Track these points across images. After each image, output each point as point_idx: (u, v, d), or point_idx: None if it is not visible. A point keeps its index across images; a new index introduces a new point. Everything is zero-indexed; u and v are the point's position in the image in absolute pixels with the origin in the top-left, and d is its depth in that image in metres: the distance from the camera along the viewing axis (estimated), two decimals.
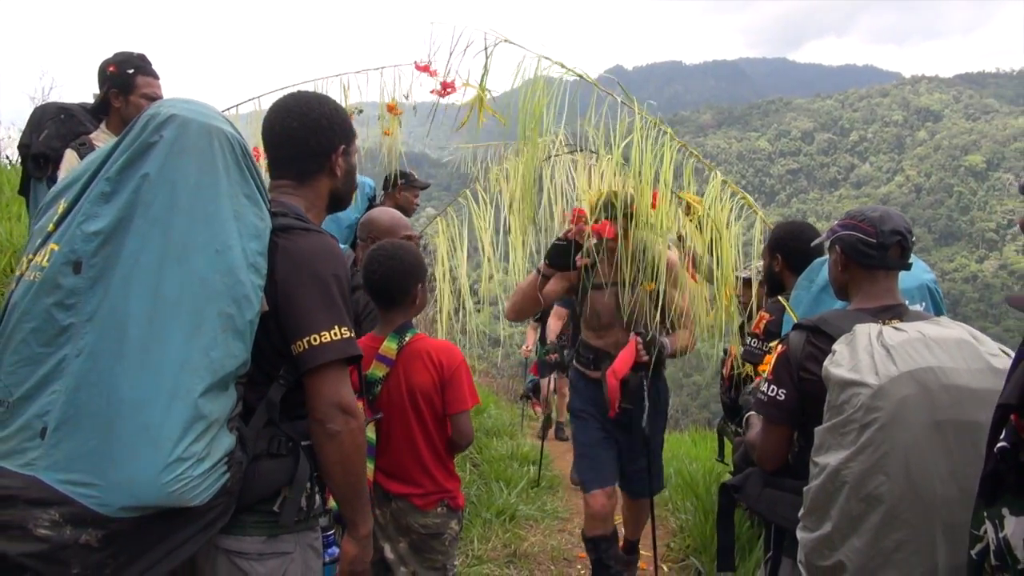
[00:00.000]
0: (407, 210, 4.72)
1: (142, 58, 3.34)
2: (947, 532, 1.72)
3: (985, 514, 1.34)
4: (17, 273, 1.70)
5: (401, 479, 2.71)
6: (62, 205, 1.68)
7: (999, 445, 1.32)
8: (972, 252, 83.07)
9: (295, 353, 1.71)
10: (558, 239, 3.61)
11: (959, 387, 1.74)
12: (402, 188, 4.77)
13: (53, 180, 3.26)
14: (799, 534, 1.93)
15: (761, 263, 3.42)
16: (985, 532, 1.34)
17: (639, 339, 3.50)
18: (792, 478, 2.14)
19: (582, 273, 3.66)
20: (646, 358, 3.50)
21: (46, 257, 1.61)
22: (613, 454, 3.75)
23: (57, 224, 1.65)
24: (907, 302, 2.50)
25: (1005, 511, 1.29)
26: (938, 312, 2.72)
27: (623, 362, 3.50)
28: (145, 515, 1.50)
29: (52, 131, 3.31)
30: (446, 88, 3.33)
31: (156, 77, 3.35)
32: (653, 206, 3.30)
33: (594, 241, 3.53)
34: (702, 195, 3.44)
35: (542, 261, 3.67)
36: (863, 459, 1.76)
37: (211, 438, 1.54)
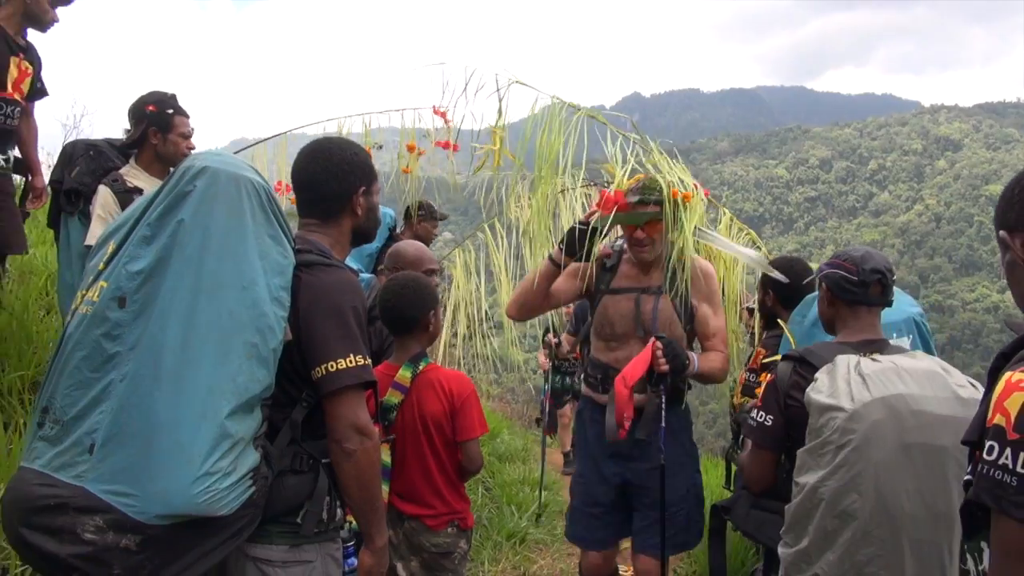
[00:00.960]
0: (426, 239, 4.92)
1: (175, 98, 3.56)
2: (914, 547, 1.85)
3: (966, 547, 1.42)
4: (72, 307, 1.90)
5: (414, 501, 2.85)
6: (112, 246, 1.89)
7: (965, 478, 1.37)
8: (993, 282, 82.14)
9: (315, 378, 1.89)
10: (579, 222, 3.14)
11: (926, 413, 1.88)
12: (422, 219, 4.96)
13: (84, 214, 3.47)
14: (780, 550, 2.06)
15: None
16: (969, 565, 1.43)
17: (659, 343, 2.88)
18: (779, 500, 2.26)
19: (596, 272, 3.22)
20: (665, 367, 2.85)
21: (96, 293, 1.82)
22: (614, 516, 3.25)
23: (107, 263, 1.86)
24: (895, 334, 2.66)
25: (983, 544, 1.36)
26: (925, 343, 2.85)
27: (636, 367, 2.86)
28: (178, 523, 1.67)
29: (83, 167, 3.52)
30: (454, 148, 3.58)
31: (188, 116, 3.57)
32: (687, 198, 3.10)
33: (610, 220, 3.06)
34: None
35: (555, 246, 3.23)
36: (838, 477, 1.90)
37: (237, 455, 1.72)
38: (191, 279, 1.73)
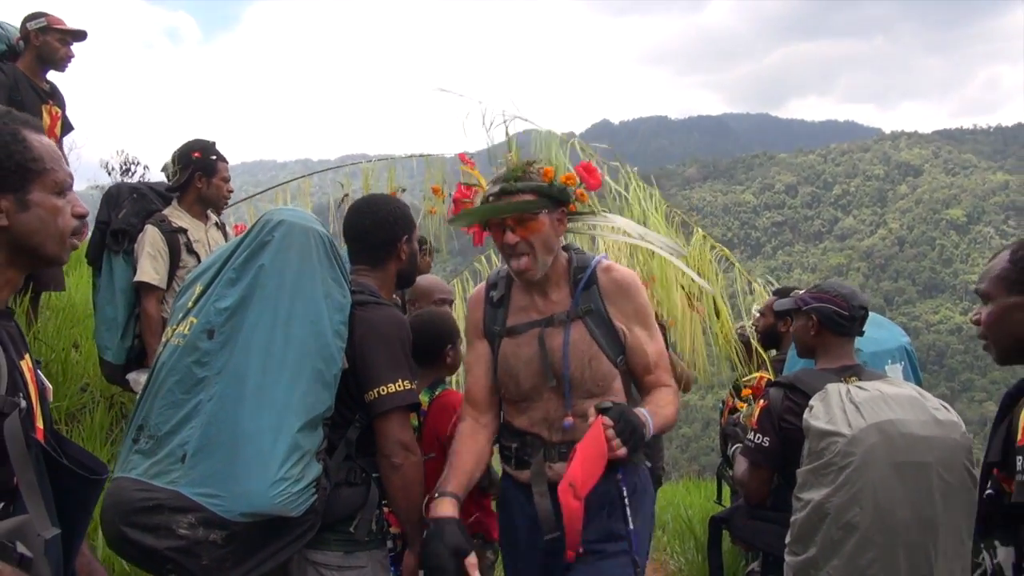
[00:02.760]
0: (422, 272, 5.18)
1: (215, 145, 3.82)
2: (907, 550, 2.17)
3: (982, 545, 1.79)
4: (164, 340, 2.21)
5: None
6: (199, 287, 2.19)
7: (987, 492, 1.81)
8: (956, 304, 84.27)
9: (367, 401, 2.19)
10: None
11: (912, 435, 2.20)
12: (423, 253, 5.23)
13: (128, 253, 3.70)
14: (787, 558, 2.36)
15: (750, 322, 3.91)
16: (983, 559, 1.79)
17: (606, 418, 2.03)
18: (773, 511, 2.58)
19: (483, 310, 2.44)
20: (622, 452, 2.02)
21: (187, 327, 2.13)
22: None
23: (195, 302, 2.18)
24: (890, 361, 3.01)
25: (997, 543, 1.75)
26: (914, 369, 3.19)
27: (588, 468, 1.97)
28: (257, 521, 1.95)
29: (129, 209, 3.75)
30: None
31: (227, 161, 3.84)
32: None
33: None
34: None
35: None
36: (842, 494, 2.21)
37: (304, 465, 2.00)
38: (270, 315, 2.05)
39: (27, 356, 1.49)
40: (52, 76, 4.37)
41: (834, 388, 2.36)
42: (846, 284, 2.70)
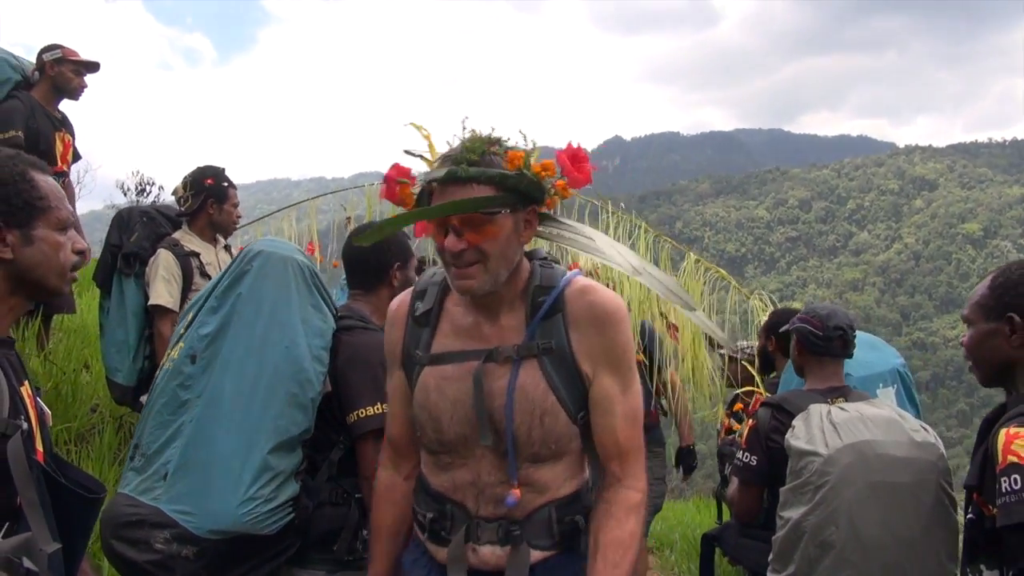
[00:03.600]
0: None
1: (225, 172, 3.92)
2: (884, 570, 2.20)
3: (968, 569, 1.83)
4: (161, 363, 2.33)
5: None
6: (191, 315, 2.31)
7: (968, 517, 1.82)
8: None
9: (348, 423, 2.25)
10: None
11: (888, 456, 2.24)
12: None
13: (140, 276, 3.79)
14: (769, 575, 2.40)
15: (746, 343, 3.96)
16: None
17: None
18: (763, 530, 2.62)
19: (405, 326, 1.80)
20: None
21: (176, 352, 2.26)
22: None
23: (186, 328, 2.30)
24: (882, 384, 3.04)
25: (983, 567, 1.77)
26: (908, 391, 3.21)
27: None
28: (228, 538, 2.03)
29: (140, 233, 3.84)
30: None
31: (236, 188, 3.95)
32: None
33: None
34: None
35: None
36: (818, 513, 2.25)
37: (277, 485, 2.08)
38: (245, 340, 2.15)
39: (27, 383, 1.57)
40: (64, 105, 4.51)
41: (816, 408, 2.41)
42: (830, 305, 2.74)
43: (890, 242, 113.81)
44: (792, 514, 2.29)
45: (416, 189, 1.69)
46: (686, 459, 4.28)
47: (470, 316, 1.72)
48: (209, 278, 3.71)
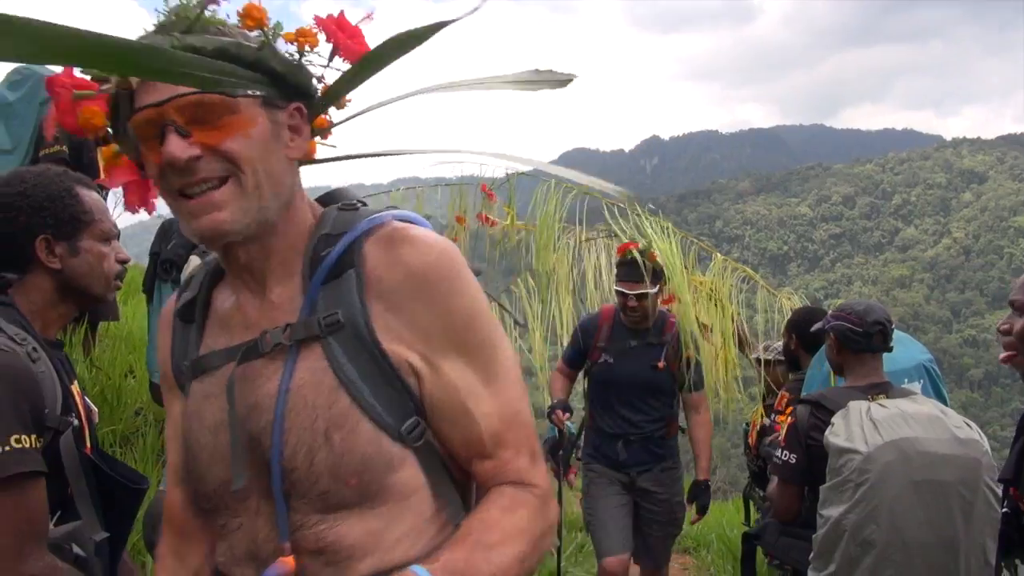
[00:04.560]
0: None
1: None
2: (927, 570, 2.14)
3: (1003, 563, 1.77)
4: None
5: None
6: None
7: (1003, 511, 1.76)
8: None
9: None
10: None
11: (930, 453, 2.18)
12: None
13: (176, 282, 3.91)
14: (810, 574, 2.35)
15: (779, 344, 3.90)
16: None
17: None
18: (803, 528, 2.57)
19: (175, 332, 1.21)
20: None
21: None
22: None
23: None
24: (906, 380, 2.98)
25: (1017, 561, 1.72)
26: (936, 387, 3.14)
27: None
28: None
29: (177, 241, 3.96)
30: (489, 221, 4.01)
31: None
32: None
33: None
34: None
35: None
36: (858, 511, 2.20)
37: None
38: None
39: (75, 383, 1.66)
40: None
41: (855, 406, 2.36)
42: (867, 301, 2.69)
43: (938, 237, 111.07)
44: (832, 512, 2.24)
45: (108, 90, 1.02)
46: (701, 497, 3.78)
47: (231, 296, 1.13)
48: None
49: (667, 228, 3.72)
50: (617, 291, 3.58)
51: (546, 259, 3.88)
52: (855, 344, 2.55)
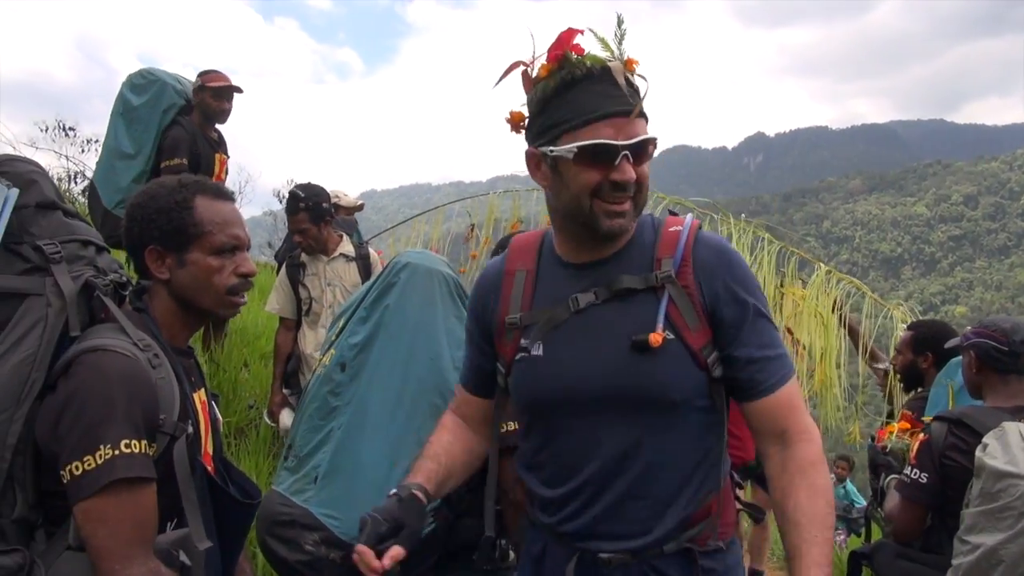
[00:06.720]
0: None
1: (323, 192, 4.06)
2: None
3: None
4: (314, 368, 2.39)
5: None
6: (341, 322, 2.36)
7: None
8: None
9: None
10: None
11: None
12: None
13: None
14: None
15: (896, 354, 3.61)
16: None
17: None
18: (921, 551, 2.38)
19: None
20: None
21: (328, 358, 2.31)
22: None
23: (337, 335, 2.36)
24: None
25: None
26: None
27: None
28: None
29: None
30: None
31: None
32: None
33: None
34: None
35: None
36: (1021, 542, 1.99)
37: None
38: (392, 352, 2.18)
39: (202, 390, 1.66)
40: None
41: (1013, 427, 2.14)
42: (1014, 318, 2.48)
43: None
44: (986, 540, 2.04)
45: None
46: None
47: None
48: (307, 288, 3.89)
49: (764, 237, 3.48)
50: (586, 150, 1.43)
51: None
52: (1000, 364, 2.35)
